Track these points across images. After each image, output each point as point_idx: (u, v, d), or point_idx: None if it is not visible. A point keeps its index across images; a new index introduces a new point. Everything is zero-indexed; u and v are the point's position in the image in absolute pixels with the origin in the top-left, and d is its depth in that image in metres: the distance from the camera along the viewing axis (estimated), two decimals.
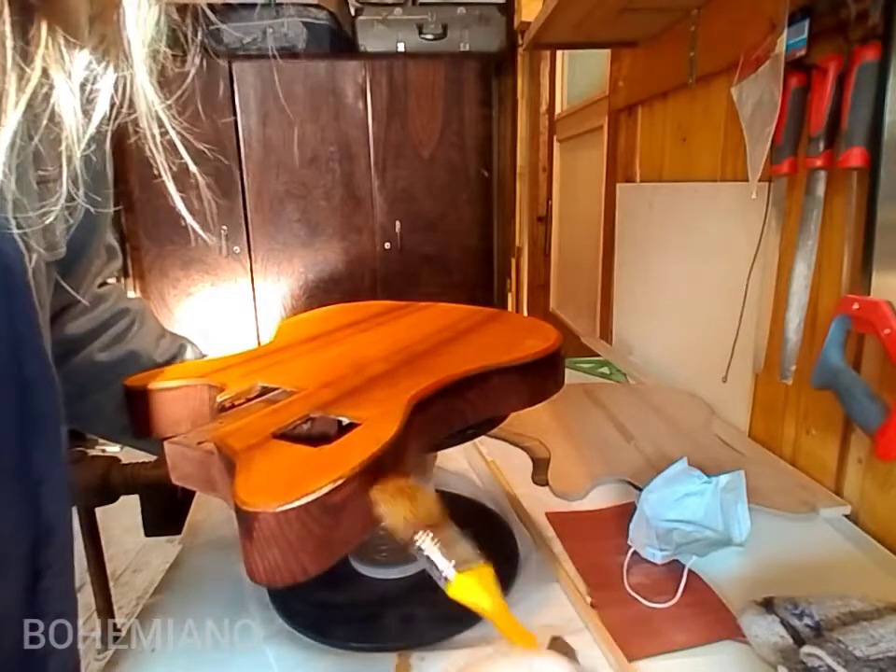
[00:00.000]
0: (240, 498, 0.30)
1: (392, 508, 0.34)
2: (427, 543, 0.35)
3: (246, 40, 2.23)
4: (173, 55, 0.37)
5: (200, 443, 0.38)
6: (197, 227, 0.40)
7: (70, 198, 0.44)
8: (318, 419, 0.40)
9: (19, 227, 0.33)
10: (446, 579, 0.35)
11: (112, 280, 0.60)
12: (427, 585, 0.55)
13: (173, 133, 0.36)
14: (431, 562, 0.35)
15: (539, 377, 0.51)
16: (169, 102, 0.35)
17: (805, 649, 0.40)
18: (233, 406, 0.44)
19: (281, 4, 2.21)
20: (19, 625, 0.37)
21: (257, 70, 2.24)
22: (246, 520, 0.30)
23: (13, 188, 0.31)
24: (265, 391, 0.45)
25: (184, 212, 0.39)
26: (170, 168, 0.37)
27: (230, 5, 2.18)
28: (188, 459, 0.38)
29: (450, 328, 0.58)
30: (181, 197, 0.38)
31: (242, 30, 2.22)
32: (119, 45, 0.33)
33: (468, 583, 0.35)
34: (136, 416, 0.47)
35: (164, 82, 0.35)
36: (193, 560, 0.60)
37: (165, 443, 0.39)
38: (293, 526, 0.30)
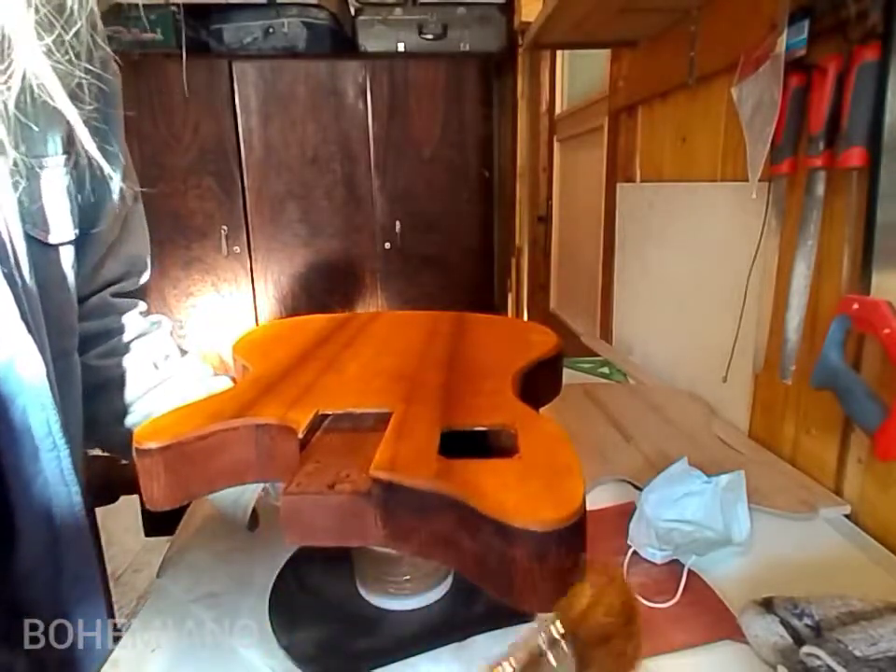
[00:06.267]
0: (521, 522, 0.28)
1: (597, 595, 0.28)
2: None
3: (246, 40, 2.23)
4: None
5: (332, 486, 0.33)
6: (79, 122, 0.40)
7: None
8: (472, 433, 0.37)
9: None
10: None
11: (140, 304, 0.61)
12: (449, 618, 0.49)
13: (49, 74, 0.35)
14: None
15: (558, 369, 0.55)
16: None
17: (805, 649, 0.40)
18: (308, 442, 0.38)
19: (281, 4, 2.20)
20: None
21: (257, 70, 2.23)
22: (532, 539, 0.28)
23: None
24: (324, 417, 0.41)
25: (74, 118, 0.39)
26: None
27: (230, 5, 2.18)
28: (323, 509, 0.33)
29: (434, 334, 0.59)
30: None
31: (242, 30, 2.22)
32: None
33: None
34: (156, 484, 0.37)
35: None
36: (193, 559, 0.60)
37: (283, 498, 0.33)
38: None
